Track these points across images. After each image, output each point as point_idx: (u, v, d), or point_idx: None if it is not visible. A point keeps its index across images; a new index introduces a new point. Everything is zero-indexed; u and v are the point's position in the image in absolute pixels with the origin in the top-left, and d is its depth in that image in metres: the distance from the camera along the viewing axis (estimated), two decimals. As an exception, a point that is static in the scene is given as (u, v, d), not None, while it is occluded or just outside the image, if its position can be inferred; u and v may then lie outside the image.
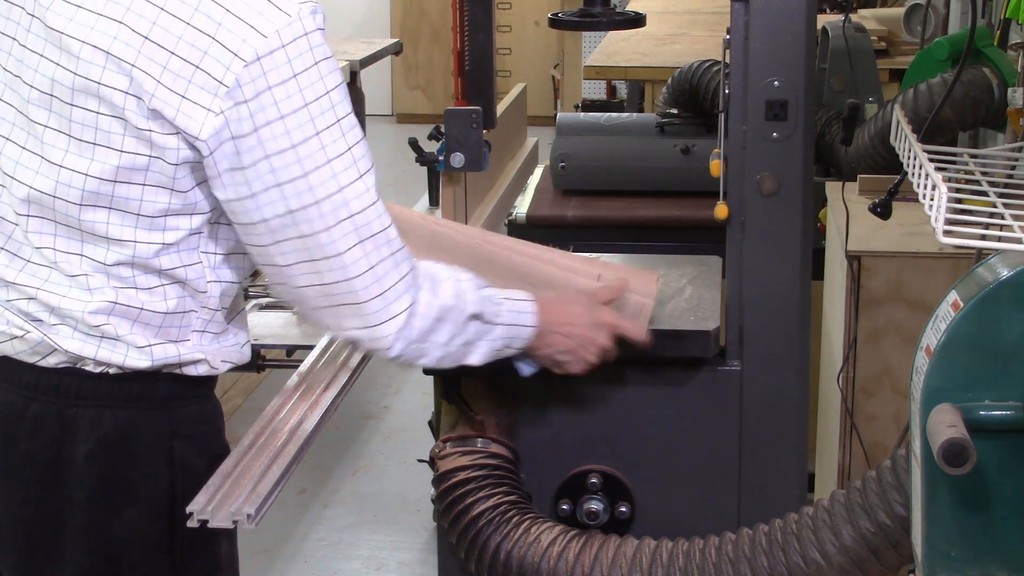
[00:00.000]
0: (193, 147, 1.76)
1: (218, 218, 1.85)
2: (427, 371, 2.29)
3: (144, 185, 1.78)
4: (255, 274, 1.98)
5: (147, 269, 1.82)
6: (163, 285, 1.83)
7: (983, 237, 1.71)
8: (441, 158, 2.39)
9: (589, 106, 5.47)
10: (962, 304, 1.64)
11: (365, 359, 2.21)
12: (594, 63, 4.78)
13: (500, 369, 2.03)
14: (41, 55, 1.81)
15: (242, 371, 2.12)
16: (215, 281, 1.87)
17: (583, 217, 3.32)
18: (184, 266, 1.84)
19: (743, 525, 2.10)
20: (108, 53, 1.74)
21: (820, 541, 1.97)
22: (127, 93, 1.74)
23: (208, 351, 1.89)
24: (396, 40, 6.48)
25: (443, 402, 2.30)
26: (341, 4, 9.35)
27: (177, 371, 1.88)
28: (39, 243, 1.83)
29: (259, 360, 2.42)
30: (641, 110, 4.84)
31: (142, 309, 1.83)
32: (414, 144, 2.54)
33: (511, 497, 2.17)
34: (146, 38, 1.74)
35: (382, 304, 1.83)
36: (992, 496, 1.66)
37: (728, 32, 2.24)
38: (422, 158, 2.53)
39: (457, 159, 2.36)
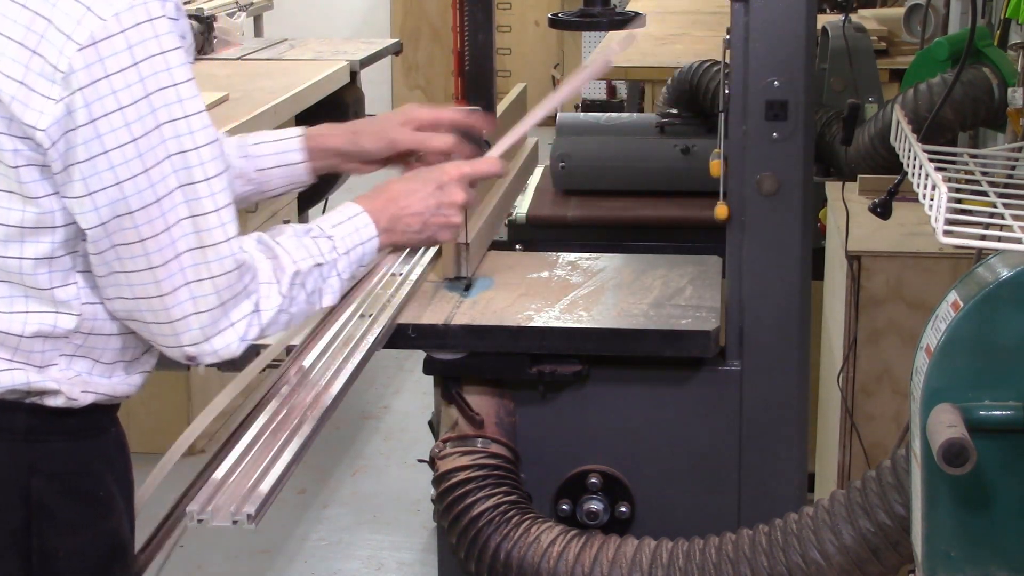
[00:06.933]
0: (36, 144, 1.62)
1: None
2: (427, 371, 2.29)
3: None
4: None
5: (11, 284, 1.68)
6: (27, 304, 1.69)
7: (983, 237, 1.71)
8: (441, 158, 2.38)
9: (589, 106, 5.48)
10: (962, 304, 1.64)
11: (365, 359, 2.21)
12: (594, 63, 4.78)
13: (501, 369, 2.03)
14: None
15: (239, 371, 2.11)
16: (90, 303, 1.72)
17: (583, 217, 3.32)
18: (55, 287, 1.69)
19: (743, 525, 2.10)
20: None
21: (820, 541, 1.97)
22: None
23: (67, 380, 1.72)
24: (396, 40, 6.48)
25: (443, 402, 2.30)
26: (341, 4, 9.35)
27: (37, 401, 1.71)
28: None
29: (259, 360, 2.42)
30: (641, 110, 4.84)
31: None
32: (414, 144, 2.54)
33: (511, 497, 2.17)
34: None
35: (221, 313, 1.73)
36: (992, 496, 1.66)
37: (728, 32, 2.25)
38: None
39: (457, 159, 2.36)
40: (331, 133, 2.17)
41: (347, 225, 1.92)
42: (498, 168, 2.10)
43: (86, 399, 1.74)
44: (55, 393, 1.72)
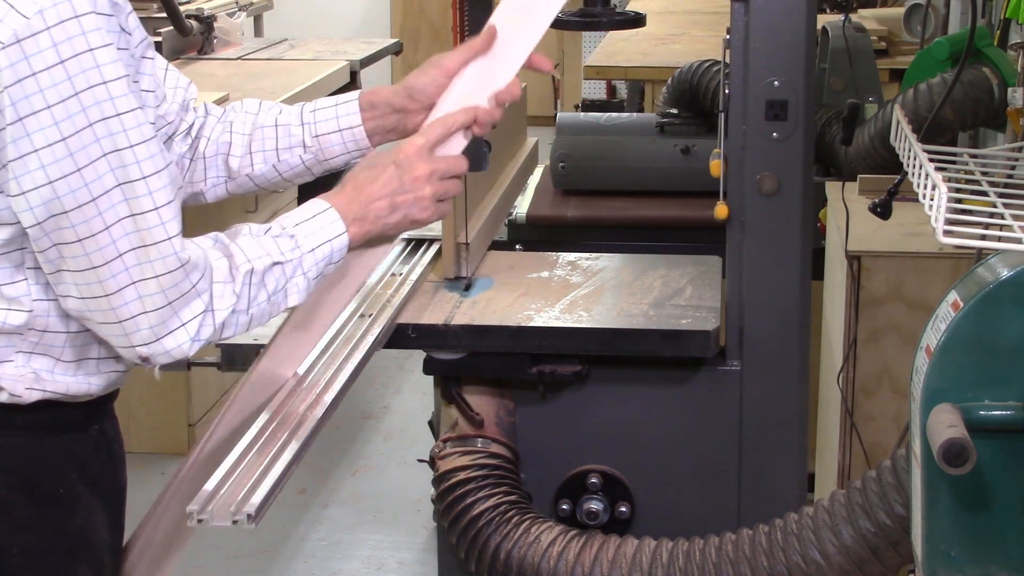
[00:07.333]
0: None
1: None
2: (427, 371, 2.29)
3: None
4: None
5: None
6: None
7: (983, 237, 1.71)
8: (441, 158, 2.38)
9: (589, 106, 5.47)
10: (962, 304, 1.64)
11: (365, 359, 2.21)
12: (594, 63, 4.78)
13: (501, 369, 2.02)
14: None
15: (242, 371, 2.11)
16: (42, 300, 1.71)
17: (583, 217, 3.32)
18: (2, 285, 1.69)
19: (743, 525, 2.10)
20: None
21: (820, 541, 1.97)
22: None
23: (15, 377, 1.71)
24: (396, 40, 6.48)
25: (443, 402, 2.30)
26: (341, 4, 9.35)
27: None
28: None
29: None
30: (641, 110, 4.84)
31: None
32: (415, 144, 2.54)
33: (511, 497, 2.17)
34: None
35: (170, 313, 1.71)
36: (992, 496, 1.66)
37: (728, 32, 2.25)
38: (422, 158, 2.53)
39: (457, 159, 2.35)
40: (384, 88, 2.09)
41: (312, 223, 1.88)
42: (451, 124, 1.98)
43: (32, 396, 1.73)
44: None
